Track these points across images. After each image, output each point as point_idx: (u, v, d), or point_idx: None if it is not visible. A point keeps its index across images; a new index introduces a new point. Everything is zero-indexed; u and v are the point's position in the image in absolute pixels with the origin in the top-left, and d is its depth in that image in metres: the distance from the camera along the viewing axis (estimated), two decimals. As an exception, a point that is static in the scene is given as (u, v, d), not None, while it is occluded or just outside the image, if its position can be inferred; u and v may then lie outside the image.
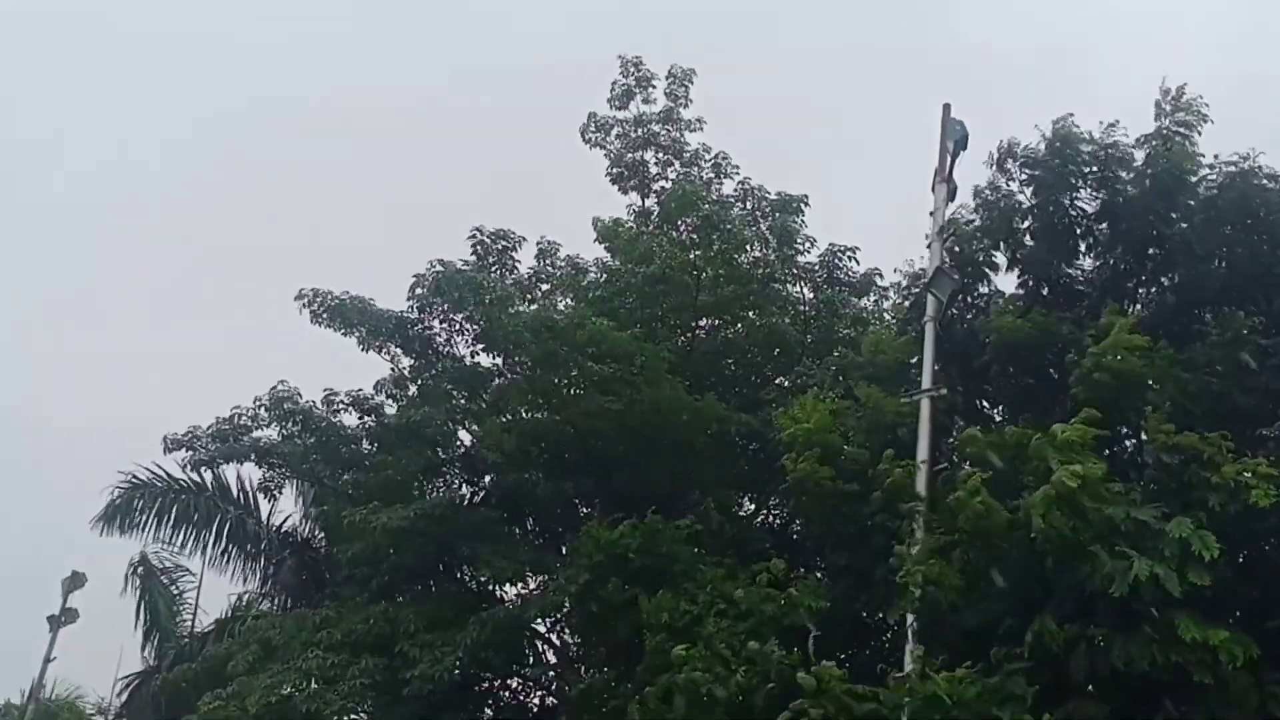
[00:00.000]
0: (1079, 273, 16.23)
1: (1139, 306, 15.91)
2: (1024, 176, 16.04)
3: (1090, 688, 12.47)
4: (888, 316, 19.71)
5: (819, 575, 15.70)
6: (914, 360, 15.90)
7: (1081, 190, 15.80)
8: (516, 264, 20.13)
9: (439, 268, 18.33)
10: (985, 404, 16.35)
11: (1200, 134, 15.68)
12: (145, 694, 22.87)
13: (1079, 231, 16.02)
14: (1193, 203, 15.28)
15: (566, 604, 17.35)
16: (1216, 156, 15.39)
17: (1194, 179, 15.35)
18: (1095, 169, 15.70)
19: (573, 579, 16.44)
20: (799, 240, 20.59)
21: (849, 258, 20.59)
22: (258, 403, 20.22)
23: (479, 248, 19.62)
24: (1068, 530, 12.10)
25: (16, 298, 63.25)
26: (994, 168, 16.27)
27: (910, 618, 13.20)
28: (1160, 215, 15.31)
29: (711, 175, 22.21)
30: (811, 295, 20.77)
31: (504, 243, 19.88)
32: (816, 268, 20.76)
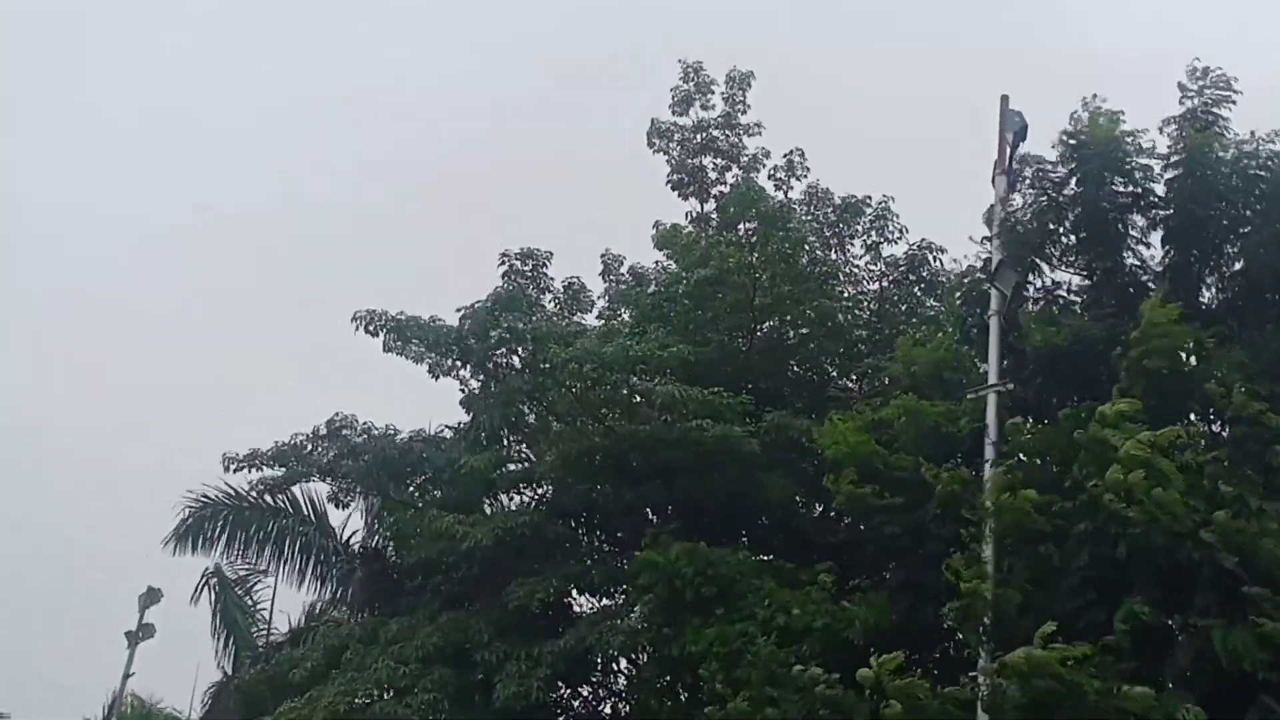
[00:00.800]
0: (1138, 263, 15.97)
1: (1213, 292, 15.64)
2: (1069, 167, 15.93)
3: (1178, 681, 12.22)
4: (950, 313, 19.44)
5: (876, 584, 15.51)
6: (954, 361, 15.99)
7: (1116, 180, 15.68)
8: (550, 280, 20.17)
9: (475, 308, 18.80)
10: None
11: (1230, 112, 15.68)
12: (225, 701, 23.18)
13: (1123, 221, 15.90)
14: (1235, 183, 15.11)
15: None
16: (1253, 133, 15.33)
17: (1229, 157, 15.24)
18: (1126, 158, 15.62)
19: (646, 619, 16.56)
20: (869, 238, 20.42)
21: (934, 256, 20.44)
22: (315, 431, 20.61)
23: (510, 272, 19.71)
24: (1153, 507, 11.76)
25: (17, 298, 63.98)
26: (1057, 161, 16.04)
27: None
28: (1199, 199, 15.17)
29: (782, 176, 22.21)
30: (877, 292, 20.64)
31: (532, 262, 19.98)
32: (900, 263, 20.74)
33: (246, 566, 26.56)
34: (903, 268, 21.09)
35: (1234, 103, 15.69)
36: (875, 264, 20.97)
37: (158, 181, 74.43)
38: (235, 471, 20.50)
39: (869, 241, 20.57)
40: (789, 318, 20.42)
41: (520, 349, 18.88)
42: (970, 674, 12.78)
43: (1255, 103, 15.98)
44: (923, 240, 20.90)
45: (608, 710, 19.94)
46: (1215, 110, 15.65)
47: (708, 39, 48.85)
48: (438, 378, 19.89)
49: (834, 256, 21.15)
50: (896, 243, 20.98)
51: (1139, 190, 15.66)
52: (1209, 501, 12.04)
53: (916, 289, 21.04)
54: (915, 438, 15.16)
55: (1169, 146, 15.59)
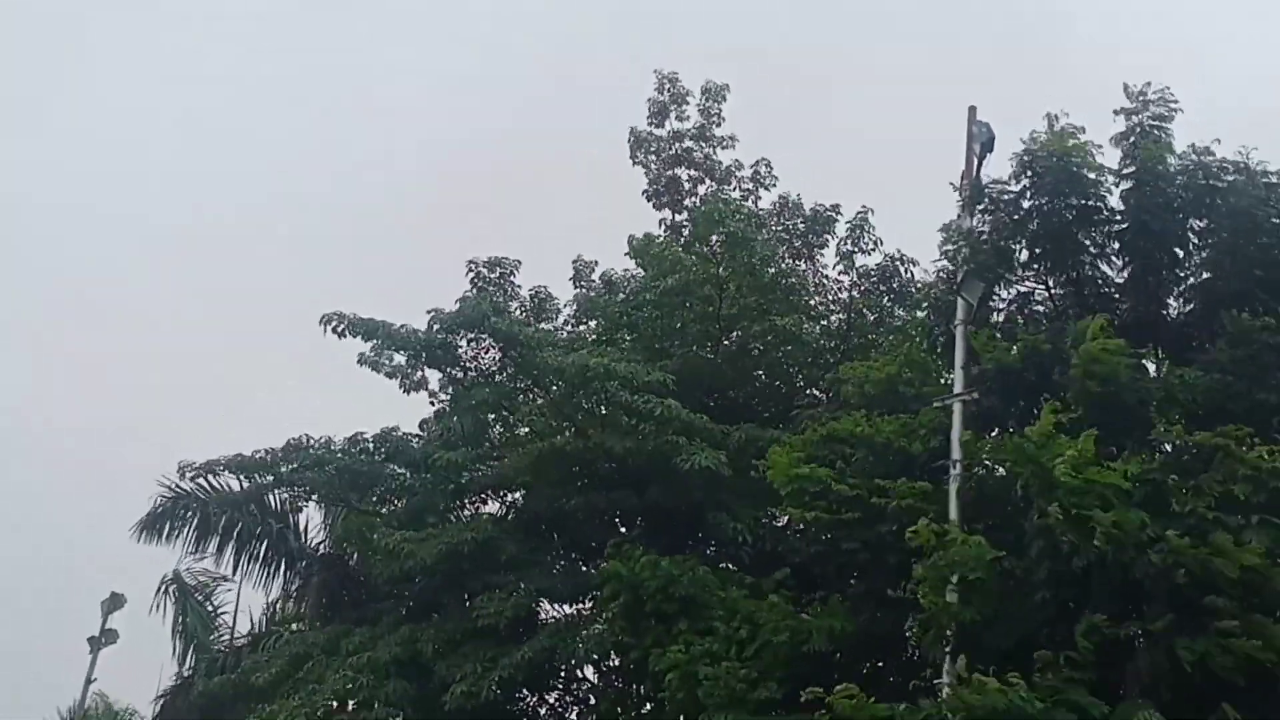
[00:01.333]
0: (1099, 275, 16.22)
1: (1180, 303, 15.97)
2: (1024, 184, 16.15)
3: (1138, 690, 12.40)
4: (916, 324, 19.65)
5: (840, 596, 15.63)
6: (904, 380, 16.20)
7: (1071, 195, 15.88)
8: (517, 288, 20.28)
9: (456, 307, 18.94)
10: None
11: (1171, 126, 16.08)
12: (180, 705, 23.04)
13: (1079, 235, 16.13)
14: (1188, 195, 15.47)
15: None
16: (1192, 145, 15.70)
17: (1178, 168, 15.61)
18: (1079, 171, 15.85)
19: (610, 626, 16.61)
20: (844, 245, 20.66)
21: (905, 267, 20.64)
22: (271, 452, 20.61)
23: (477, 279, 19.79)
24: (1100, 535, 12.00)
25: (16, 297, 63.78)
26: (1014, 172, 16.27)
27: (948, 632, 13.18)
28: (1153, 211, 15.49)
29: (750, 187, 22.38)
30: (846, 302, 20.84)
31: (500, 269, 20.07)
32: (872, 274, 20.95)
33: (207, 573, 26.54)
34: (874, 278, 21.25)
35: (1180, 112, 16.01)
36: (848, 273, 21.09)
37: (157, 181, 74.07)
38: (192, 479, 20.46)
39: (843, 250, 20.71)
40: (755, 328, 20.57)
41: (504, 350, 18.94)
42: (935, 683, 12.87)
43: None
44: (896, 251, 21.10)
45: (574, 718, 19.95)
46: (1161, 125, 15.96)
47: (709, 38, 49.14)
48: (408, 392, 20.03)
49: (803, 266, 21.30)
50: (871, 253, 21.16)
51: (1093, 204, 15.89)
52: (1162, 514, 12.26)
53: (887, 299, 21.20)
54: (868, 455, 15.32)
55: (1121, 160, 15.84)
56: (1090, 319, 14.32)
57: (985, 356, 14.96)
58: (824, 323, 21.02)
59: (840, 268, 21.07)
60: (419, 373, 20.27)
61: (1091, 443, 12.53)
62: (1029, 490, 12.96)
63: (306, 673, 18.68)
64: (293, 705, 17.86)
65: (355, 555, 22.98)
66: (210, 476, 20.64)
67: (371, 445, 20.56)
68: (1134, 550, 12.02)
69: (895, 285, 21.06)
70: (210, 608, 27.60)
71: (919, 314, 18.38)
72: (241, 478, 21.00)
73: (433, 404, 20.97)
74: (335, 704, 17.97)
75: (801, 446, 15.72)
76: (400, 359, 20.06)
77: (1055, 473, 12.35)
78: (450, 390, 20.65)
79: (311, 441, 20.50)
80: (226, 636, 25.82)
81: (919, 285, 20.02)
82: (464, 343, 19.60)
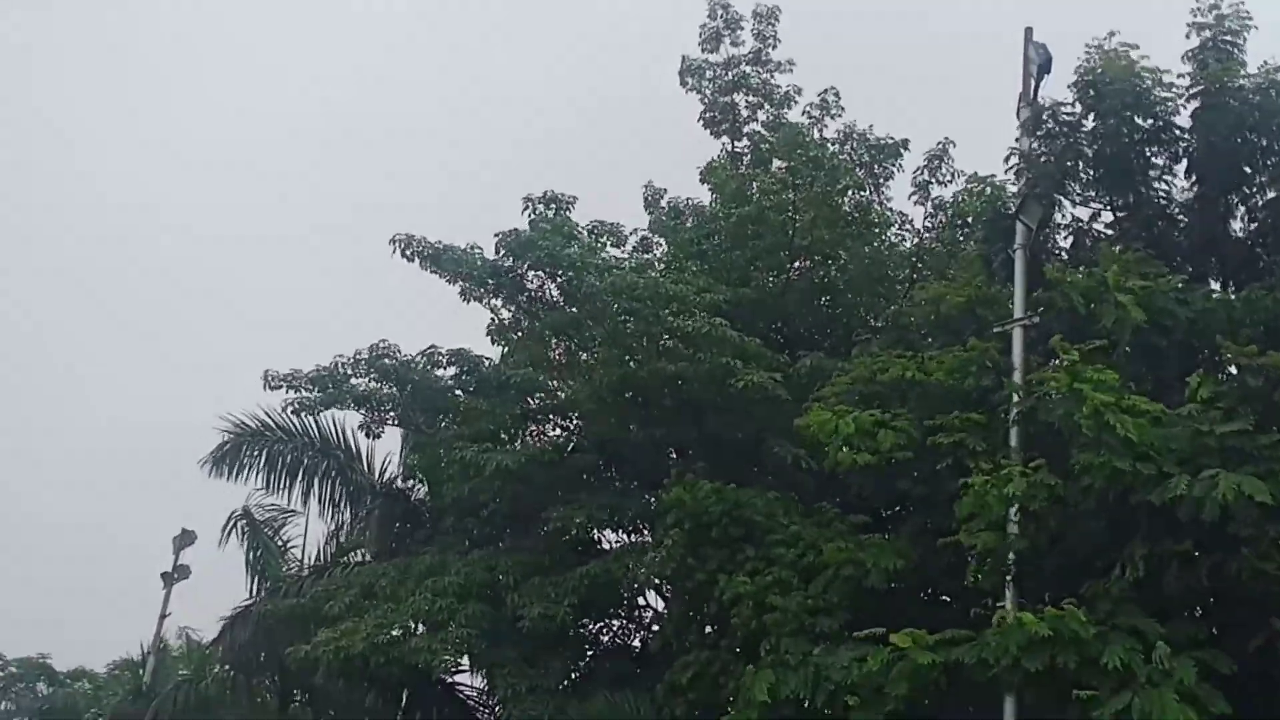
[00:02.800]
0: (1162, 196, 16.16)
1: (1246, 223, 15.98)
2: (1086, 105, 16.13)
3: (1198, 611, 12.93)
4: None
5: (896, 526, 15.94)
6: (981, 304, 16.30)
7: (1136, 115, 15.85)
8: (574, 225, 20.65)
9: (512, 237, 19.26)
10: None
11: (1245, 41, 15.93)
12: (242, 630, 23.80)
13: (1143, 156, 16.14)
14: (1258, 113, 15.37)
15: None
16: (1265, 63, 15.62)
17: (1250, 86, 15.48)
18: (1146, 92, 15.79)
19: (669, 554, 16.91)
20: (921, 176, 20.81)
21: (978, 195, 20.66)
22: (357, 355, 20.93)
23: (533, 215, 20.12)
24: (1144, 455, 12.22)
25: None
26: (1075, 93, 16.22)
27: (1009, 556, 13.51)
28: (1222, 130, 15.44)
29: (816, 115, 22.44)
30: (917, 234, 20.95)
31: (556, 205, 20.36)
32: (947, 206, 21.10)
33: (275, 507, 27.30)
34: (949, 210, 21.27)
35: (1254, 29, 15.92)
36: (924, 204, 21.15)
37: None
38: (274, 390, 21.00)
39: (920, 180, 20.75)
40: (826, 260, 20.80)
41: (557, 276, 19.28)
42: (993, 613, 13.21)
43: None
44: (973, 173, 21.06)
45: (636, 643, 20.50)
46: (1233, 40, 15.83)
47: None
48: (468, 301, 20.41)
49: (870, 196, 21.37)
50: (948, 185, 21.19)
51: (1160, 124, 15.91)
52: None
53: (960, 234, 21.23)
54: (921, 394, 15.55)
55: (1190, 78, 15.76)
56: (1128, 250, 14.36)
57: (1057, 284, 15.07)
58: (892, 255, 21.06)
59: (916, 198, 21.14)
60: (482, 289, 20.62)
61: (1114, 379, 12.71)
62: (1068, 425, 13.14)
63: (378, 599, 19.34)
64: (369, 625, 18.54)
65: (421, 487, 23.62)
66: (288, 392, 21.03)
67: (445, 360, 20.97)
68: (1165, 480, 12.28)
69: (969, 219, 21.04)
70: (280, 542, 28.48)
71: (974, 242, 18.39)
72: (316, 391, 21.29)
73: (493, 320, 21.37)
74: (412, 625, 18.60)
75: (852, 382, 16.01)
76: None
77: (1078, 420, 12.57)
78: (512, 312, 20.99)
79: (393, 350, 21.01)
80: (296, 569, 26.54)
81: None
82: (530, 273, 19.97)
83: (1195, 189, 16.07)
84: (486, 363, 20.85)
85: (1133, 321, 13.65)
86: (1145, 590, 12.56)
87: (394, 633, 18.67)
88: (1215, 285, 15.42)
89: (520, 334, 20.73)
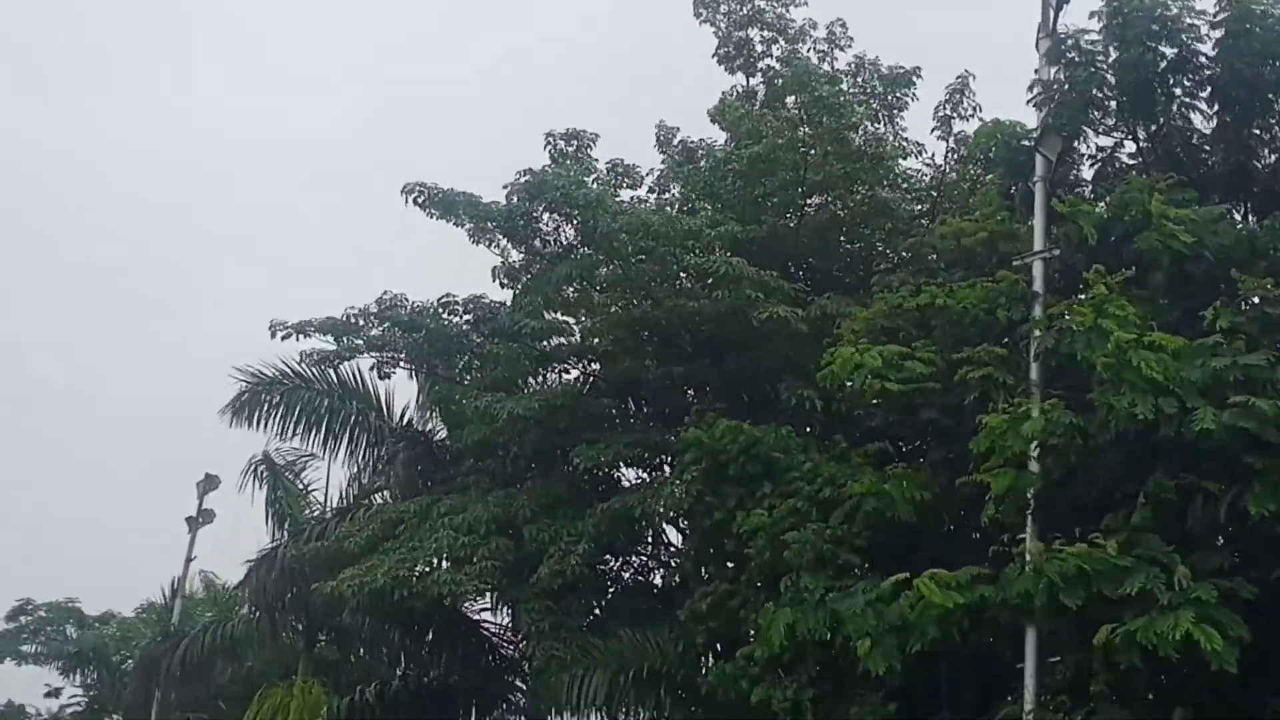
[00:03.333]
0: (1185, 126, 16.03)
1: (1271, 153, 15.79)
2: (1109, 34, 15.84)
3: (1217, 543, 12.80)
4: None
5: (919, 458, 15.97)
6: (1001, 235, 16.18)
7: (1159, 44, 15.62)
8: (594, 161, 20.48)
9: (527, 177, 19.24)
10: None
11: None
12: (267, 572, 24.18)
13: (1167, 85, 15.92)
14: (1271, 43, 15.19)
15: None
16: None
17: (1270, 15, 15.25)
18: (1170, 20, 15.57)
19: (687, 490, 17.09)
20: (943, 110, 20.67)
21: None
22: (366, 308, 21.16)
23: (555, 153, 20.02)
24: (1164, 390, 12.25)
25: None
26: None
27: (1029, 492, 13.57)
28: (1248, 58, 15.22)
29: (825, 49, 22.25)
30: (934, 166, 20.89)
31: (577, 142, 20.26)
32: (967, 140, 20.88)
33: (295, 451, 27.62)
34: (969, 144, 21.11)
35: None
36: (946, 139, 21.01)
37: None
38: (283, 339, 21.00)
39: (942, 115, 20.60)
40: (841, 197, 20.73)
41: (572, 217, 19.30)
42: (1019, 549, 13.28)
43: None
44: (993, 119, 20.89)
45: (658, 580, 20.73)
46: None
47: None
48: (477, 243, 20.38)
49: (882, 129, 21.24)
50: (969, 119, 21.01)
51: (1184, 53, 15.69)
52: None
53: (979, 168, 21.11)
54: (947, 325, 15.54)
55: (1215, 5, 15.53)
56: (1160, 179, 14.26)
57: (1073, 215, 14.92)
58: (908, 186, 20.97)
59: (938, 133, 21.00)
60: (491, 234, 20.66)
61: (1135, 316, 12.70)
62: (1089, 356, 13.14)
63: (400, 537, 19.57)
64: (393, 560, 18.83)
65: (440, 429, 23.82)
66: (299, 340, 21.13)
67: (461, 308, 21.07)
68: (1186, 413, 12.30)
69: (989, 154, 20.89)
70: (300, 486, 28.81)
71: (993, 175, 18.27)
72: (328, 339, 21.38)
73: (502, 262, 21.39)
74: (435, 560, 18.86)
75: (873, 317, 16.02)
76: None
77: (1094, 359, 12.62)
78: (523, 254, 21.05)
79: (402, 299, 21.07)
80: (319, 512, 26.85)
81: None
82: (544, 215, 19.97)
83: (1220, 118, 15.90)
84: (501, 310, 20.93)
85: (1174, 250, 13.60)
86: (1166, 524, 12.62)
87: (417, 568, 18.98)
88: (1239, 215, 15.29)
89: (530, 277, 20.79)
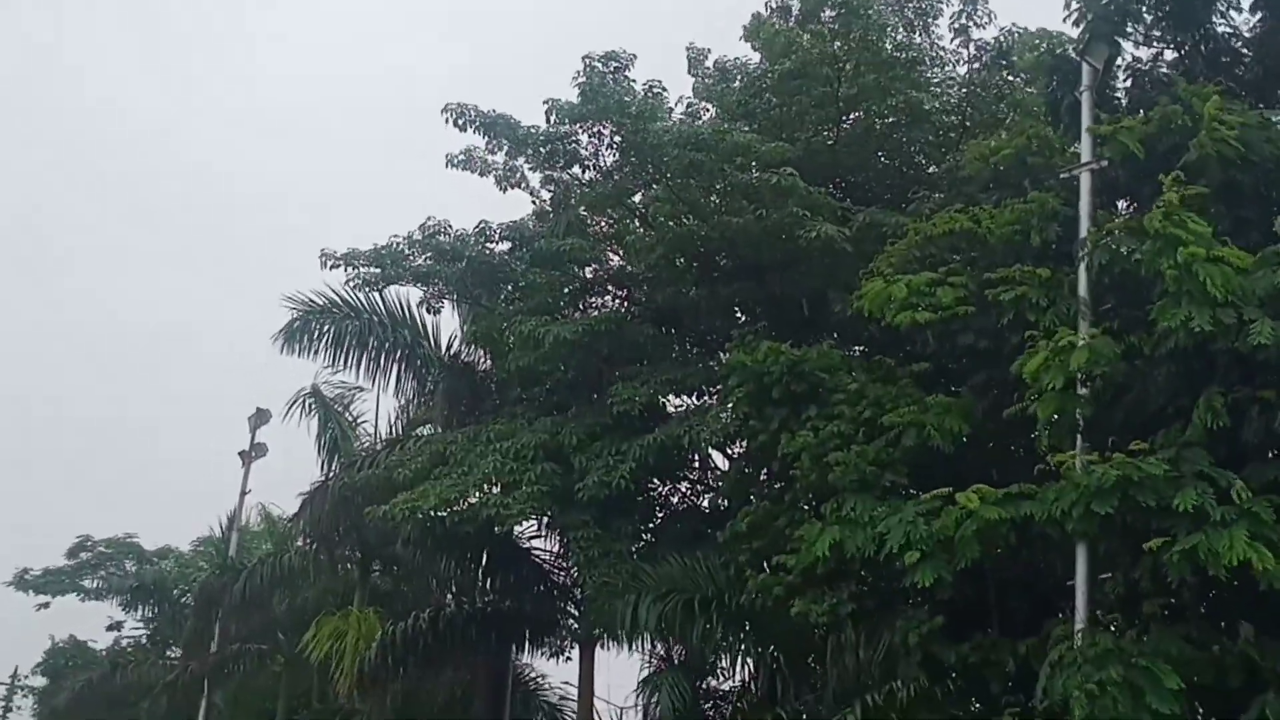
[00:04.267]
0: (1229, 30, 15.67)
1: None
2: None
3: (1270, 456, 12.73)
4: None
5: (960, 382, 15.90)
6: (1032, 151, 16.01)
7: None
8: (631, 83, 20.34)
9: (573, 96, 19.18)
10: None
11: None
12: (320, 504, 24.62)
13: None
14: None
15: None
16: None
17: None
18: None
19: (732, 415, 17.18)
20: (958, 21, 20.24)
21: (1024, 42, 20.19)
22: (410, 235, 21.22)
23: (591, 75, 19.90)
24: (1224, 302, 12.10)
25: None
26: None
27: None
28: None
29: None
30: (965, 77, 20.53)
31: (615, 64, 20.11)
32: (989, 48, 20.70)
33: (343, 384, 27.98)
34: (992, 52, 20.83)
35: None
36: (965, 48, 20.72)
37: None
38: (331, 269, 21.30)
39: (957, 25, 20.28)
40: (875, 108, 20.51)
41: (615, 136, 19.28)
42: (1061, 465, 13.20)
43: None
44: (1013, 25, 20.56)
45: (705, 505, 20.88)
46: None
47: None
48: (505, 190, 20.47)
49: (917, 39, 20.94)
50: (985, 27, 20.70)
51: None
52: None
53: (1006, 74, 20.80)
54: (981, 250, 15.42)
55: None
56: (1207, 86, 13.96)
57: (1114, 132, 14.60)
58: (944, 99, 20.68)
59: (957, 42, 20.69)
60: (520, 173, 20.64)
61: (1207, 233, 12.51)
62: (1151, 269, 12.97)
63: (450, 464, 19.82)
64: (445, 485, 19.12)
65: (485, 359, 23.99)
66: (346, 271, 21.32)
67: (498, 235, 21.17)
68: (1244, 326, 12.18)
69: (1015, 60, 20.57)
70: (350, 418, 29.17)
71: (1037, 86, 17.97)
72: (375, 274, 21.54)
73: (534, 203, 21.41)
74: (485, 486, 19.14)
75: (906, 248, 15.90)
76: (501, 156, 20.40)
77: (1163, 269, 12.41)
78: (555, 190, 21.00)
79: (445, 226, 21.20)
80: (368, 443, 27.21)
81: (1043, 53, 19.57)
82: (584, 137, 19.93)
83: (1261, 22, 15.54)
84: (540, 239, 20.95)
85: (1225, 157, 13.35)
86: (1219, 439, 12.51)
87: (470, 498, 19.26)
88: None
89: (564, 209, 20.77)
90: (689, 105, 22.19)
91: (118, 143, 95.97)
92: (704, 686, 20.55)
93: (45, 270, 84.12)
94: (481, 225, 21.15)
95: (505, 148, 20.23)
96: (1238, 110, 13.79)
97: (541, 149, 20.11)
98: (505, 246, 21.49)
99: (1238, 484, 11.94)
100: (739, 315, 20.71)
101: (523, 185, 20.97)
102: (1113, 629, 12.84)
